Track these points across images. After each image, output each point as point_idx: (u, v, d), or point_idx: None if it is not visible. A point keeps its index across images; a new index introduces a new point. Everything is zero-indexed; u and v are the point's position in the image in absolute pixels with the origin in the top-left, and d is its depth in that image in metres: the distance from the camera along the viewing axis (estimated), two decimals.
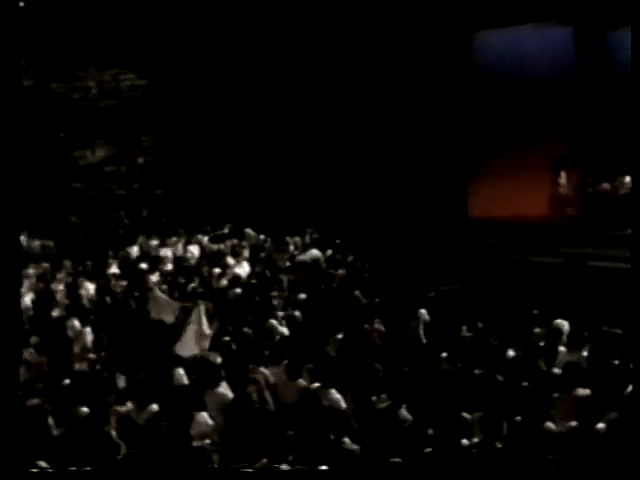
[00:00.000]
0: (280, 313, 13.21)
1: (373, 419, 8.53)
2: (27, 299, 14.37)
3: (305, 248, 19.24)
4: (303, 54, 23.50)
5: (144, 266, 17.46)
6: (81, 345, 12.22)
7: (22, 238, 16.07)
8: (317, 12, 22.78)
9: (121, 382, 10.04)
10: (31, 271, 16.66)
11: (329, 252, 18.91)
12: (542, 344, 10.57)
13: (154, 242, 19.92)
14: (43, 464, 7.24)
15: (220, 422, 8.74)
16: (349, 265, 17.63)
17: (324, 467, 6.62)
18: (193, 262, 18.35)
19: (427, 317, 12.52)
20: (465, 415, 8.16)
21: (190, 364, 10.33)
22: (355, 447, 7.69)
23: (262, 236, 20.45)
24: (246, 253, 18.49)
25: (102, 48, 23.36)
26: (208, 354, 10.91)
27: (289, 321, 12.82)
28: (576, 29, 22.57)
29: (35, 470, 6.73)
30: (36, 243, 20.04)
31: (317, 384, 9.42)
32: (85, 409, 8.70)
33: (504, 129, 22.77)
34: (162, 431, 8.05)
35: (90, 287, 15.93)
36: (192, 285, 15.39)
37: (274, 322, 12.65)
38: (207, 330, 11.72)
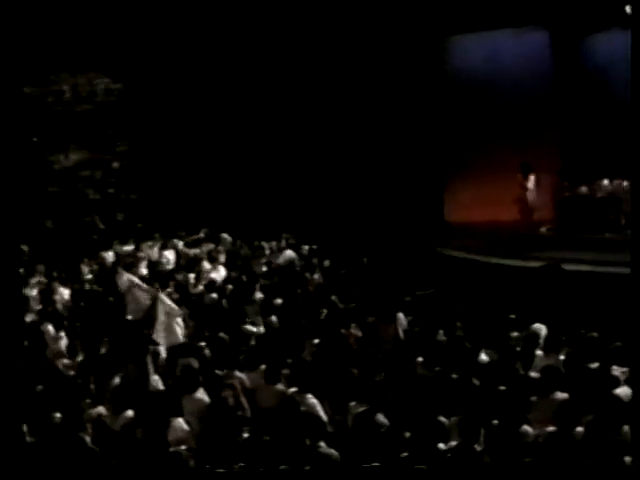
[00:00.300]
0: (256, 318, 13.16)
1: (350, 424, 8.50)
2: None
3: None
4: (280, 60, 23.48)
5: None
6: (55, 350, 12.13)
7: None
8: (293, 18, 22.77)
9: (96, 387, 9.96)
10: None
11: (305, 251, 19.01)
12: (519, 348, 10.57)
13: (129, 247, 19.82)
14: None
15: (197, 427, 8.68)
16: (325, 270, 17.61)
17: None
18: (168, 267, 18.28)
19: (404, 321, 12.49)
20: (442, 419, 8.14)
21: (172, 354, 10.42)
22: (332, 452, 7.65)
23: (238, 241, 20.40)
24: (222, 258, 18.40)
25: (77, 52, 23.24)
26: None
27: (265, 326, 12.79)
28: (552, 34, 22.62)
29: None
30: None
31: (294, 389, 9.38)
32: (59, 415, 8.62)
33: (480, 134, 22.81)
34: (138, 437, 7.98)
35: (64, 292, 15.82)
36: (168, 290, 15.31)
37: (250, 327, 12.63)
38: (177, 311, 12.03)
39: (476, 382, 9.24)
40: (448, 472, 7.21)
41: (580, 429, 7.59)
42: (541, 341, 10.69)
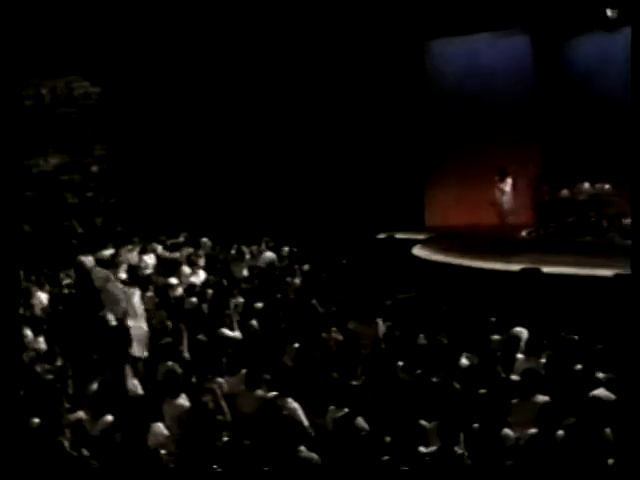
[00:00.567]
0: (236, 322, 13.11)
1: (330, 428, 8.47)
2: None
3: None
4: (258, 64, 23.48)
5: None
6: (34, 355, 12.04)
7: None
8: (269, 22, 22.76)
9: (75, 392, 9.89)
10: None
11: (285, 252, 18.98)
12: (500, 352, 10.56)
13: (108, 251, 19.71)
14: None
15: (176, 432, 8.63)
16: (306, 274, 17.58)
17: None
18: (148, 271, 18.19)
19: (383, 327, 12.44)
20: (423, 423, 8.12)
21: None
22: (312, 455, 7.62)
23: (218, 245, 20.36)
24: (202, 262, 18.34)
25: (55, 55, 23.13)
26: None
27: (245, 330, 12.74)
28: (533, 37, 22.65)
29: None
30: None
31: (274, 393, 9.34)
32: (37, 420, 8.55)
33: (461, 137, 22.86)
34: (117, 442, 7.93)
35: (43, 297, 15.72)
36: (148, 294, 15.24)
37: (229, 331, 12.58)
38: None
39: (457, 386, 9.23)
40: (429, 476, 7.19)
41: (561, 432, 7.58)
42: (522, 345, 10.69)
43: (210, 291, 15.43)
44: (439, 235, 21.03)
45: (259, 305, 14.26)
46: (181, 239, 20.94)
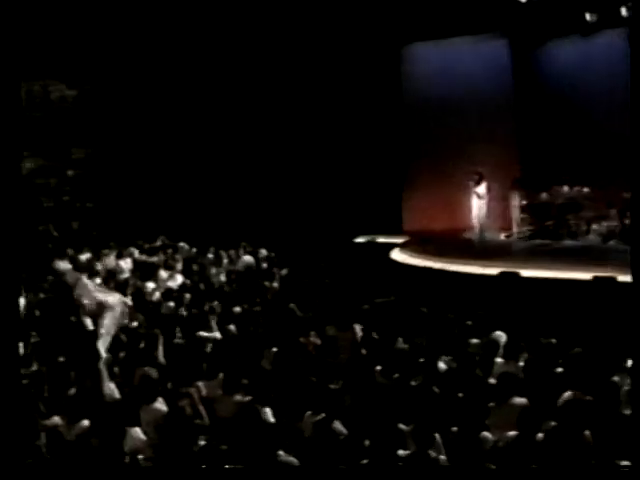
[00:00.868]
0: (214, 326, 13.06)
1: (308, 432, 8.43)
2: None
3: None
4: (234, 69, 23.45)
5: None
6: None
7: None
8: (246, 26, 22.73)
9: (51, 396, 9.82)
10: None
11: (263, 255, 18.95)
12: (479, 355, 10.56)
13: (85, 255, 19.61)
14: None
15: (154, 437, 8.57)
16: (284, 278, 17.57)
17: None
18: (124, 275, 18.11)
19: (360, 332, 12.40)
20: (401, 426, 8.09)
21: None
22: (291, 459, 7.58)
23: (195, 249, 20.31)
24: (179, 266, 18.29)
25: (31, 58, 22.97)
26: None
27: (224, 334, 12.70)
28: (511, 41, 22.66)
29: None
30: None
31: (249, 397, 9.31)
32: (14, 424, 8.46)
33: (438, 142, 22.86)
34: (93, 447, 7.86)
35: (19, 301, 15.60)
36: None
37: (206, 335, 12.54)
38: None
39: (435, 389, 9.22)
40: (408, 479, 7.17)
41: (541, 435, 7.58)
42: (501, 348, 10.69)
43: (188, 295, 15.40)
44: (417, 239, 21.00)
45: (237, 309, 14.23)
46: (158, 243, 20.88)
